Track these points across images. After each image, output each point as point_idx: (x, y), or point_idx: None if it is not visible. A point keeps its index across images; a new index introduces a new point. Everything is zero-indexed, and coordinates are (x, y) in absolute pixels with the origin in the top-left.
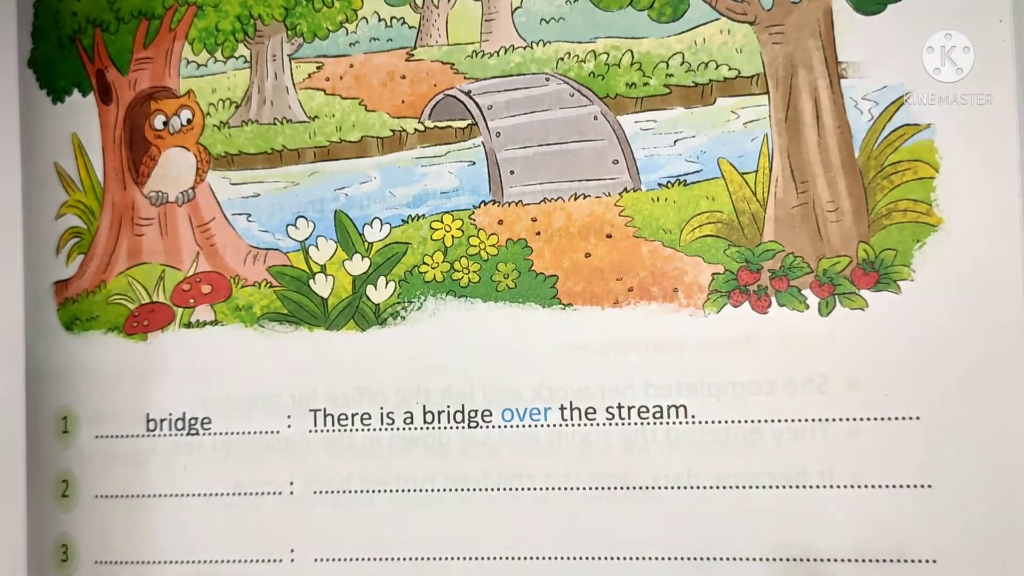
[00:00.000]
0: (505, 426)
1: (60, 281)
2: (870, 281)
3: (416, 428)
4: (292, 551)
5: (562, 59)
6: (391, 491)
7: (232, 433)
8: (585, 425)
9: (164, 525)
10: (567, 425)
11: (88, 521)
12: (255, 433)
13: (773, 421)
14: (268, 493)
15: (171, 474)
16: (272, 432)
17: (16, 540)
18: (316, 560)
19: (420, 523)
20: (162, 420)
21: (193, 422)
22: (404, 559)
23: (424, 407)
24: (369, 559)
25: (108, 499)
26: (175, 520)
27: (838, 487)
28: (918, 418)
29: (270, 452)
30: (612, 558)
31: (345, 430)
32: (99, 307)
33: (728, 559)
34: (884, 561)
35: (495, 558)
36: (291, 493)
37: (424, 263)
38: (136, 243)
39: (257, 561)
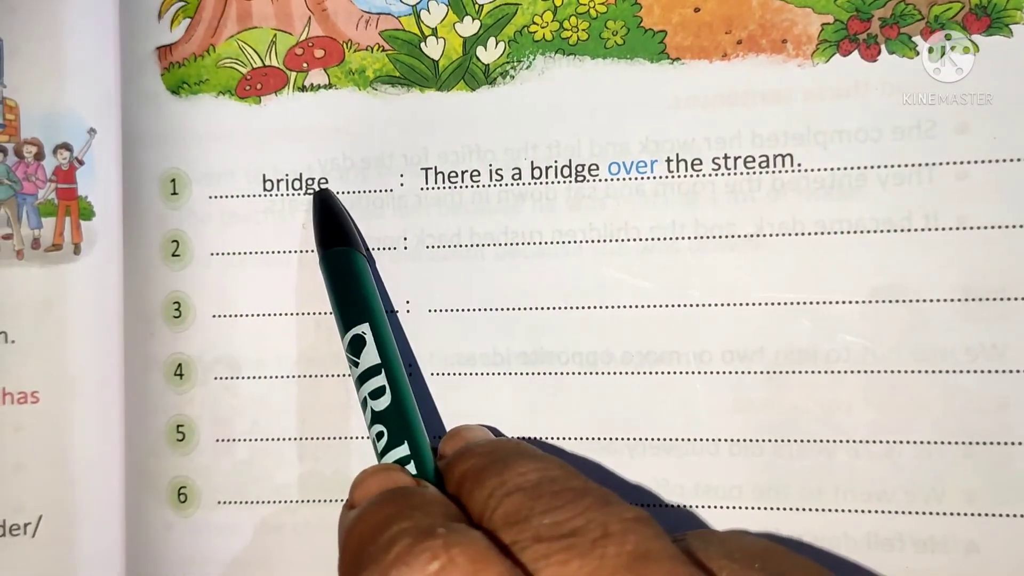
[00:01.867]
0: (611, 179)
1: (164, 46)
2: (982, 26)
3: (524, 183)
4: (407, 303)
5: None
6: (500, 244)
7: (348, 192)
8: (691, 176)
9: (280, 280)
10: (673, 176)
11: (202, 279)
12: (370, 192)
13: (879, 167)
14: (383, 248)
15: (288, 232)
16: (386, 191)
17: (112, 296)
18: (430, 311)
19: (528, 274)
20: (279, 180)
21: (310, 182)
22: (512, 308)
23: (532, 163)
24: (480, 309)
25: (225, 256)
26: (294, 276)
27: (943, 229)
28: None
29: (384, 209)
30: (716, 304)
31: (455, 187)
32: (208, 71)
33: (829, 303)
34: (985, 300)
35: (599, 307)
36: (405, 248)
37: (534, 23)
38: (245, 7)
39: None
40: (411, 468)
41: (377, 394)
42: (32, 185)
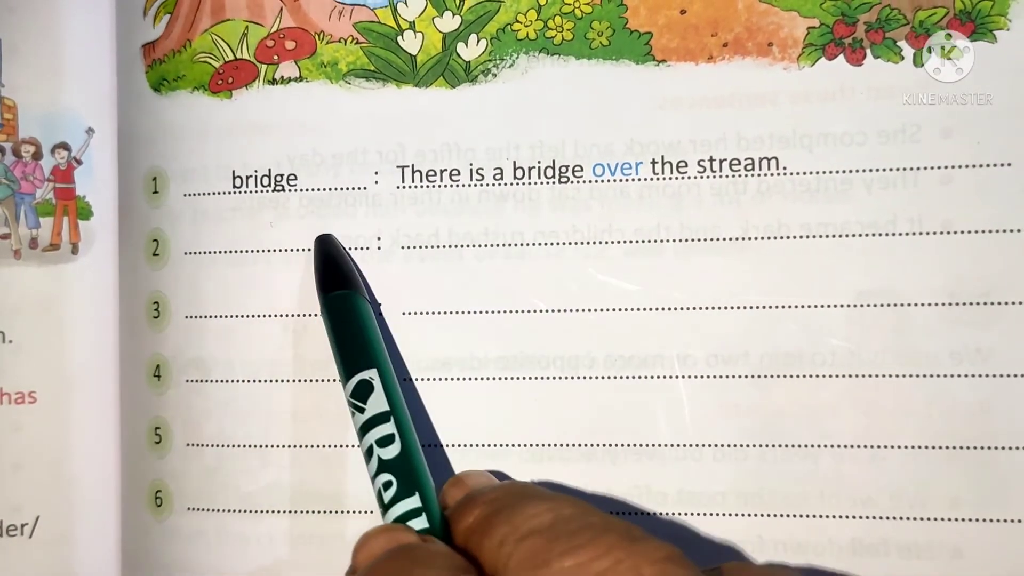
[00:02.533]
0: (596, 180)
1: (148, 43)
2: (966, 31)
3: (506, 184)
4: (380, 305)
5: None
6: (479, 245)
7: (318, 189)
8: (676, 178)
9: (251, 280)
10: (658, 179)
11: (177, 279)
12: (341, 189)
13: (864, 171)
14: (355, 248)
15: (257, 230)
16: (359, 188)
17: (109, 296)
18: (404, 314)
19: (508, 277)
20: (248, 177)
21: (279, 178)
22: (492, 311)
23: (514, 163)
24: (456, 312)
25: (197, 255)
26: (262, 276)
27: (927, 233)
28: (1010, 164)
29: (357, 208)
30: (701, 307)
31: (433, 186)
32: (185, 66)
33: (814, 307)
34: (969, 304)
35: (582, 310)
36: (378, 248)
37: (517, 21)
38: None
39: None
40: (422, 520)
41: (385, 442)
42: (30, 184)
